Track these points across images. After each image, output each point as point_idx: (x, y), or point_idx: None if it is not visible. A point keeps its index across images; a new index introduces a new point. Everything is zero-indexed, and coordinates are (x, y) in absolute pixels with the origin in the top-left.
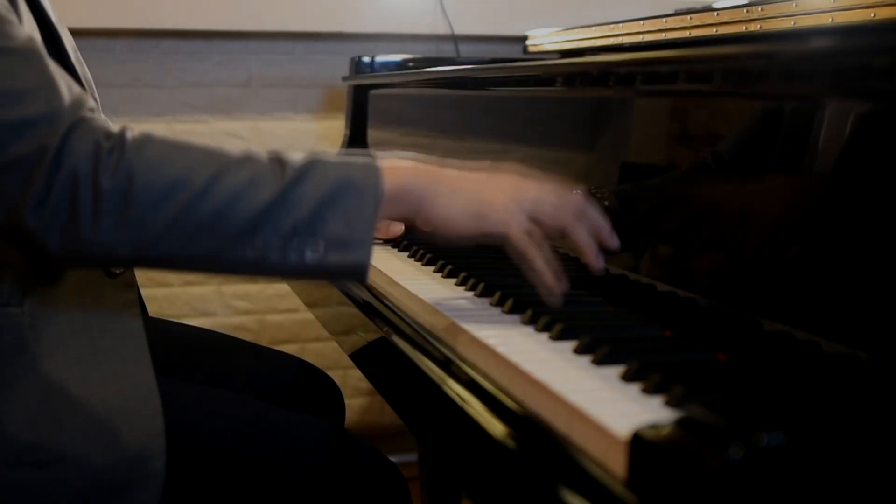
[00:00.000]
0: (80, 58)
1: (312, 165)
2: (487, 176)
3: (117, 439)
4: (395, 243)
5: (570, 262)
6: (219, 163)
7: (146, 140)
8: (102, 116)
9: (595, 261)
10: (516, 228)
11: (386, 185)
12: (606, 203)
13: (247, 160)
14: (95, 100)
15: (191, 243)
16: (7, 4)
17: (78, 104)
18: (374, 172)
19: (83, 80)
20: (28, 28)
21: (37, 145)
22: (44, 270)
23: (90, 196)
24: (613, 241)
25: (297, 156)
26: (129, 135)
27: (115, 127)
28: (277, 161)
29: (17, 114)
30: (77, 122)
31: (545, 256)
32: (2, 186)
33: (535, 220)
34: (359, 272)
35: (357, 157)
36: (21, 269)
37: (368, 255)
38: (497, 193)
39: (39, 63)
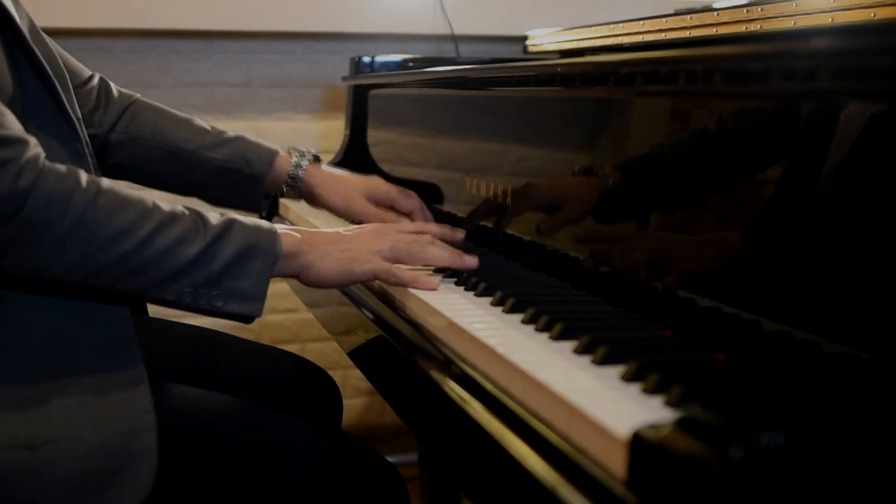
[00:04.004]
0: (42, 36)
1: (228, 227)
2: (351, 236)
3: (107, 417)
4: None
5: (568, 261)
6: (158, 218)
7: (99, 189)
8: (43, 154)
9: (463, 264)
10: (379, 270)
11: (283, 248)
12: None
13: (177, 217)
14: (64, 75)
15: (124, 280)
16: None
17: (25, 141)
18: (275, 238)
19: (45, 59)
20: None
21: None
22: None
23: (47, 235)
24: (459, 234)
25: (213, 216)
26: (84, 181)
27: (62, 167)
28: (200, 220)
29: None
30: (26, 164)
31: (409, 274)
32: None
33: (398, 260)
34: (252, 318)
35: (261, 223)
36: None
37: (262, 307)
38: (359, 250)
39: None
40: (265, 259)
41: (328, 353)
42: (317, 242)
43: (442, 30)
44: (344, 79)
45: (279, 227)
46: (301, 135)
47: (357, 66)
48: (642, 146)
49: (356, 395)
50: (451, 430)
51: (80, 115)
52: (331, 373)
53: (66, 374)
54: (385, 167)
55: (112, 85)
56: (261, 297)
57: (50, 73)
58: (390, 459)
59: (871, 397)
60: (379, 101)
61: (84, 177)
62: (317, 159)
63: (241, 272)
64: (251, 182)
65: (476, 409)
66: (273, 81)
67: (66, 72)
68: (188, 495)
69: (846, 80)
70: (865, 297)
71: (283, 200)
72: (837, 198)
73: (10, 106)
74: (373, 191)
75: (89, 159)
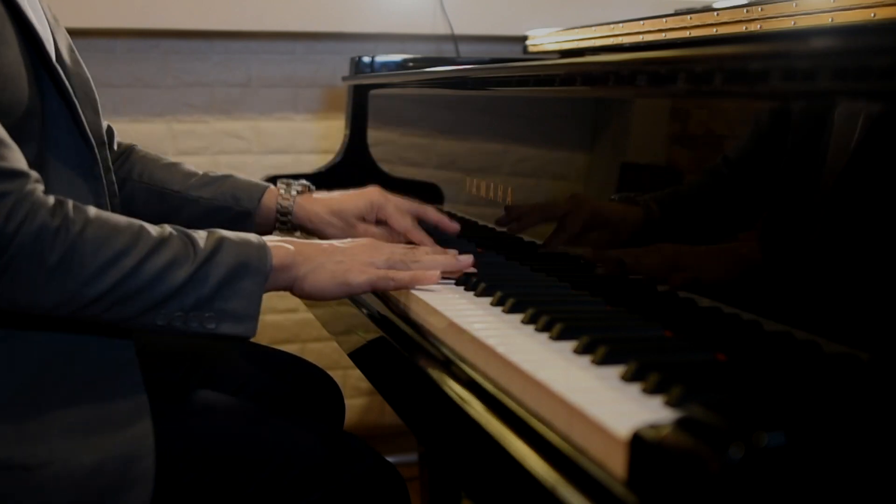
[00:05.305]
0: (78, 58)
1: (218, 247)
2: (345, 248)
3: (105, 440)
4: None
5: (568, 261)
6: (146, 245)
7: (87, 220)
8: (41, 188)
9: (458, 264)
10: (375, 277)
11: (274, 263)
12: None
13: (166, 241)
14: (90, 98)
15: (113, 310)
16: None
17: (23, 175)
18: (265, 253)
19: (74, 78)
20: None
21: None
22: None
23: (35, 270)
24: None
25: (202, 236)
26: (71, 214)
27: (52, 200)
28: (189, 242)
29: None
30: (22, 198)
31: (406, 273)
32: None
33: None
34: (247, 338)
35: (250, 238)
36: None
37: (255, 326)
38: (353, 262)
39: None
40: (256, 276)
41: (328, 353)
42: (309, 254)
43: (442, 30)
44: (344, 79)
45: (270, 240)
46: (301, 135)
47: (357, 66)
48: (642, 146)
49: (356, 395)
50: (451, 430)
51: (103, 140)
52: (331, 373)
53: (66, 396)
54: (385, 167)
55: (115, 134)
56: (253, 316)
57: (72, 92)
58: (390, 459)
59: (871, 397)
60: (379, 101)
61: (71, 209)
62: (308, 189)
63: (232, 292)
64: (240, 219)
65: (476, 408)
66: (273, 81)
67: (97, 97)
68: (189, 495)
69: (846, 80)
70: (865, 297)
71: None
72: (837, 198)
73: (29, 121)
74: (369, 209)
75: (104, 182)
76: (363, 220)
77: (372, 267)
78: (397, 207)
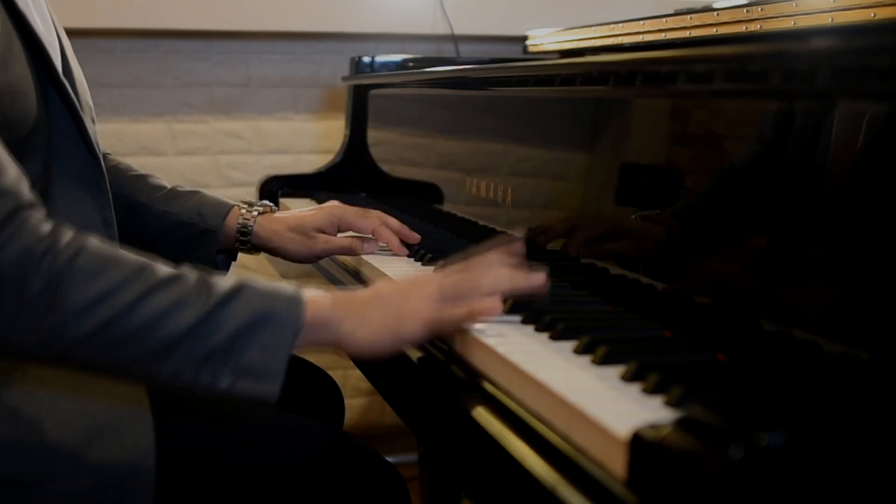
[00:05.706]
0: (77, 63)
1: (238, 292)
2: (390, 293)
3: (106, 459)
4: None
5: (570, 261)
6: (148, 281)
7: (81, 249)
8: (37, 214)
9: (529, 284)
10: (428, 319)
11: (307, 317)
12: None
13: (174, 280)
14: (89, 106)
15: (106, 355)
16: None
17: (12, 196)
18: (296, 304)
19: (78, 87)
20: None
21: None
22: None
23: (13, 299)
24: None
25: (225, 281)
26: (64, 240)
27: (47, 227)
28: (204, 284)
29: None
30: (7, 218)
31: (460, 309)
32: None
33: (450, 300)
34: (267, 401)
35: (283, 287)
36: None
37: (279, 387)
38: (402, 304)
39: None
40: (282, 329)
41: (328, 354)
42: (350, 308)
43: (442, 30)
44: (344, 79)
45: (310, 293)
46: (301, 135)
47: (357, 66)
48: (642, 146)
49: (356, 395)
50: (451, 430)
51: (102, 152)
52: (331, 373)
53: (69, 412)
54: (385, 167)
55: None
56: (274, 373)
57: (78, 106)
58: (390, 459)
59: (871, 397)
60: (379, 101)
61: (67, 236)
62: (270, 210)
63: (250, 344)
64: (205, 236)
65: (476, 409)
66: (273, 81)
67: (92, 105)
68: (189, 496)
69: (846, 80)
70: (865, 297)
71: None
72: (837, 198)
73: (35, 136)
74: (330, 221)
75: (109, 195)
76: (323, 232)
77: (426, 303)
78: (358, 213)
